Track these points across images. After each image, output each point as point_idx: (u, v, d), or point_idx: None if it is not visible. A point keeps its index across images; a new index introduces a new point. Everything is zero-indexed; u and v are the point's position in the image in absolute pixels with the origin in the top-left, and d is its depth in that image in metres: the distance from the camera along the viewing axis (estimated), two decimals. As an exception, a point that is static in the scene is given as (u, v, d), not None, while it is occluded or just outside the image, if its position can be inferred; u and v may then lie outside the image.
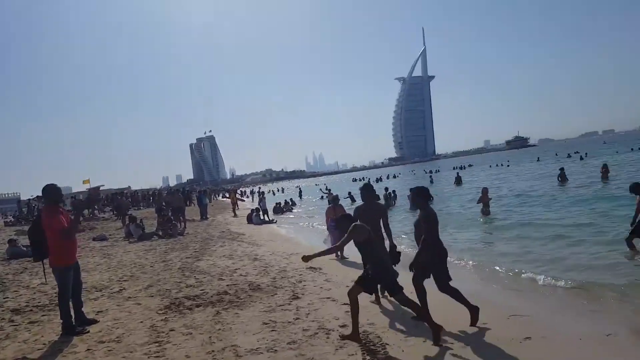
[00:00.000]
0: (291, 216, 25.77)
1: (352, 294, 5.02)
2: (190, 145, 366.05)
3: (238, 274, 8.95)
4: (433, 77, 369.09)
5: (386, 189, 23.45)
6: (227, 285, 8.02)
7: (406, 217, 18.40)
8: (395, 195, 23.13)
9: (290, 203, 31.23)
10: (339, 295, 7.02)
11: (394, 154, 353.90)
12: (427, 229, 5.35)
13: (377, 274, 4.97)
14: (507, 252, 9.91)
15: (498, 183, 28.40)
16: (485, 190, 15.30)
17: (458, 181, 34.30)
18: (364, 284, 5.04)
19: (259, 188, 74.67)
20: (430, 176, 47.96)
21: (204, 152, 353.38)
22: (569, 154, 55.09)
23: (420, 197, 5.60)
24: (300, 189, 51.51)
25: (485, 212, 15.01)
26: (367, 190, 6.69)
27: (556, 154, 66.41)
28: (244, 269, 9.44)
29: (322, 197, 34.24)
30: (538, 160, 56.21)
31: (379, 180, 59.95)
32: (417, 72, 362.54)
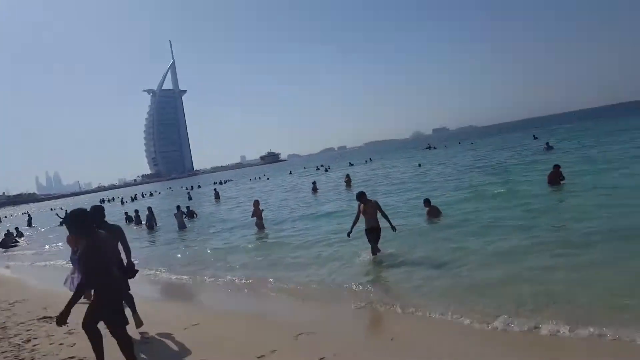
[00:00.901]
0: (16, 251, 20.40)
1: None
2: None
3: None
4: (185, 91, 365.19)
5: (149, 208, 20.91)
6: None
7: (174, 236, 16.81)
8: (153, 216, 20.65)
9: (15, 234, 24.91)
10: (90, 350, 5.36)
11: (148, 171, 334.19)
12: (98, 262, 4.15)
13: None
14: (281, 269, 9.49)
15: (262, 196, 29.28)
16: (256, 203, 15.02)
17: (217, 196, 34.04)
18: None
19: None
20: (188, 192, 46.55)
21: None
22: (316, 167, 61.76)
23: (80, 226, 4.28)
24: (29, 215, 42.30)
25: (260, 224, 14.75)
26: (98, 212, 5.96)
27: (304, 168, 74.11)
28: None
29: (60, 223, 28.37)
30: (290, 173, 61.45)
31: (134, 199, 56.41)
32: (168, 85, 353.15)
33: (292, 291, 7.70)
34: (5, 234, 23.65)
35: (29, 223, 36.00)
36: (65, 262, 12.44)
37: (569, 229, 9.03)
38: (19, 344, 5.82)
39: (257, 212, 14.73)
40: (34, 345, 5.70)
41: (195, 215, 21.83)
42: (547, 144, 30.24)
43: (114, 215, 28.27)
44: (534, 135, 48.12)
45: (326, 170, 51.76)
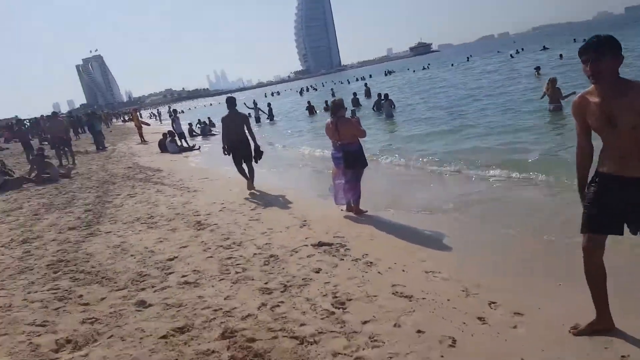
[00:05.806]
0: (212, 141, 20.65)
1: None
2: (77, 67, 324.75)
3: (191, 292, 3.73)
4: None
5: (379, 95, 19.80)
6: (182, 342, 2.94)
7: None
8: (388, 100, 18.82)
9: (209, 123, 25.51)
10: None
11: (299, 67, 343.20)
12: None
13: None
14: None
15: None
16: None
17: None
18: None
19: (170, 107, 67.88)
20: (332, 89, 45.20)
21: (93, 73, 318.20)
22: (513, 54, 47.09)
23: None
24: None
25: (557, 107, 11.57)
26: (230, 102, 7.96)
27: (468, 58, 64.25)
28: (195, 263, 4.43)
29: (249, 114, 27.98)
30: (468, 59, 55.19)
31: (306, 90, 58.88)
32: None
33: None
34: (194, 124, 24.50)
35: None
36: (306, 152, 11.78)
37: None
38: (323, 292, 3.52)
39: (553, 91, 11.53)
40: (346, 292, 3.49)
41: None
42: None
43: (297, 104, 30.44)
44: None
45: (517, 52, 46.62)
